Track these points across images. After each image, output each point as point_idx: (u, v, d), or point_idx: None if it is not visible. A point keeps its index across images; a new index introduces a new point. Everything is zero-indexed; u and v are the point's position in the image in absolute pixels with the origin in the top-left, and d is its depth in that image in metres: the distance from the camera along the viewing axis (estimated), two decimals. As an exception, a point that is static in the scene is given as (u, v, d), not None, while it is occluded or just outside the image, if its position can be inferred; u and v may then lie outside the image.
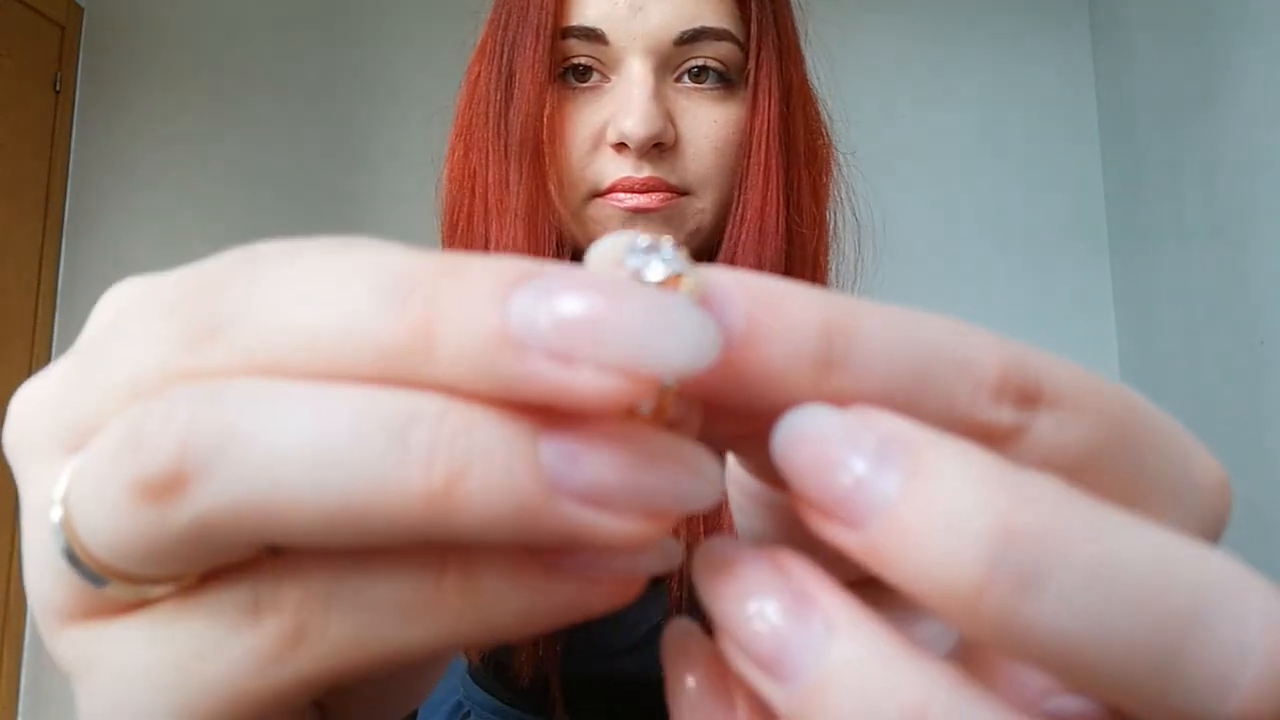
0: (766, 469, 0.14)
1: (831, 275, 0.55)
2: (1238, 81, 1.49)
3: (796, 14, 0.54)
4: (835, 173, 0.56)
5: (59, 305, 2.29)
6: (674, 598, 0.54)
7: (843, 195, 0.57)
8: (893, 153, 1.97)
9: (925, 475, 0.11)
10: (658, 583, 0.55)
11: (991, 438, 0.12)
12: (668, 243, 0.12)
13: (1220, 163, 1.55)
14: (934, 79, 2.14)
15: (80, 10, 2.37)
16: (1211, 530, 0.13)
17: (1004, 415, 0.12)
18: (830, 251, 0.55)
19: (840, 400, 0.12)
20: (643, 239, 0.12)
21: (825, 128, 0.56)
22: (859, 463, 0.11)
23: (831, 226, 0.55)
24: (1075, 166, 2.09)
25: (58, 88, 2.30)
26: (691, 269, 0.12)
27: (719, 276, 0.12)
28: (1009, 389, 0.12)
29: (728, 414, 0.13)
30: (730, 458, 0.16)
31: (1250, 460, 1.48)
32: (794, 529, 0.15)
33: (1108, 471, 0.12)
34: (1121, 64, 1.97)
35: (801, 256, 0.52)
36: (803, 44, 0.55)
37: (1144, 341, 1.90)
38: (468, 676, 0.63)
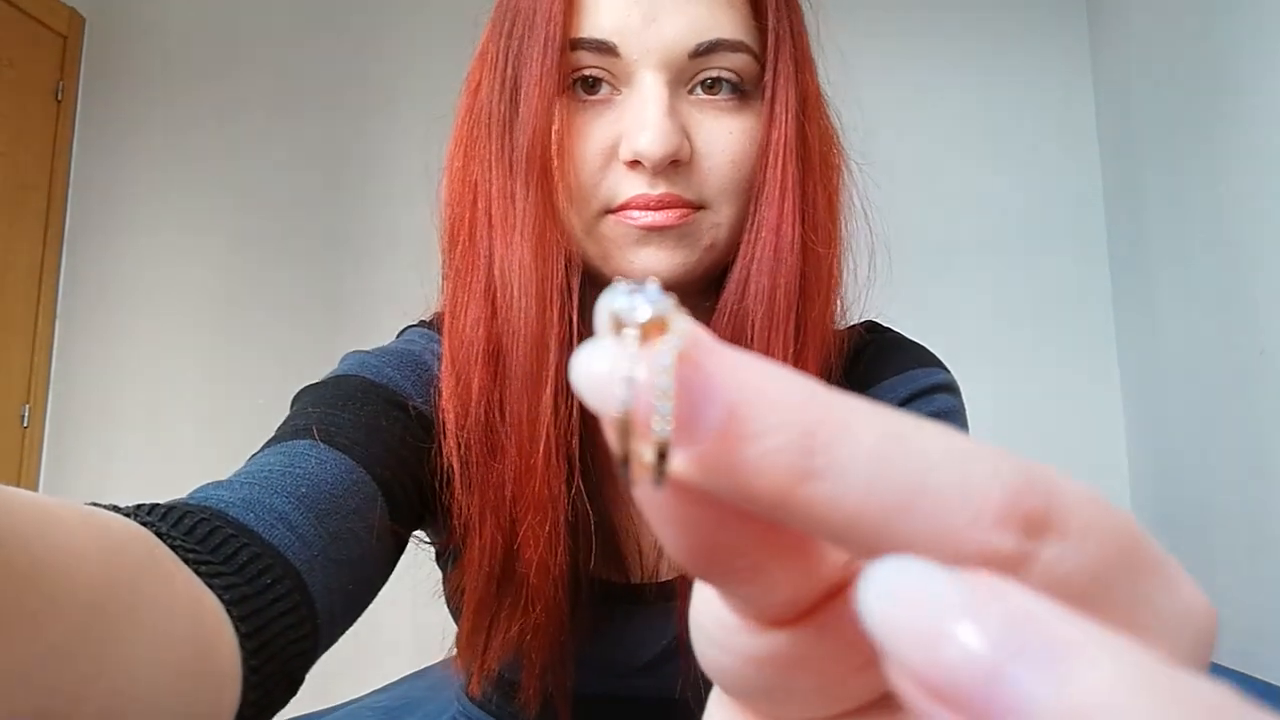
0: (755, 605, 0.14)
1: (844, 286, 0.55)
2: (1238, 87, 1.49)
3: (809, 17, 0.53)
4: (848, 180, 0.55)
5: (59, 313, 2.28)
6: (685, 618, 0.52)
7: (855, 203, 0.56)
8: (892, 159, 1.97)
9: (1087, 681, 0.09)
10: (668, 602, 0.54)
11: (991, 566, 0.11)
12: (653, 284, 0.12)
13: (1221, 170, 1.55)
14: (932, 85, 2.14)
15: (82, 20, 2.37)
16: (1202, 658, 0.13)
17: (1007, 542, 0.11)
18: (843, 262, 0.54)
19: (820, 512, 0.11)
20: (625, 282, 0.12)
21: (837, 135, 0.55)
22: (997, 651, 0.10)
23: (844, 237, 0.54)
24: (1075, 174, 2.08)
25: (59, 97, 2.30)
26: (678, 315, 0.12)
27: (709, 357, 0.12)
28: (1015, 516, 0.11)
29: (733, 525, 0.13)
30: (701, 588, 0.15)
31: (1251, 470, 1.48)
32: (775, 669, 0.14)
33: (1106, 598, 0.12)
34: (1120, 69, 1.97)
35: (816, 273, 0.51)
36: (814, 49, 0.54)
37: (1144, 349, 1.89)
38: (464, 697, 0.63)
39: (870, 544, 0.12)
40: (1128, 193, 1.95)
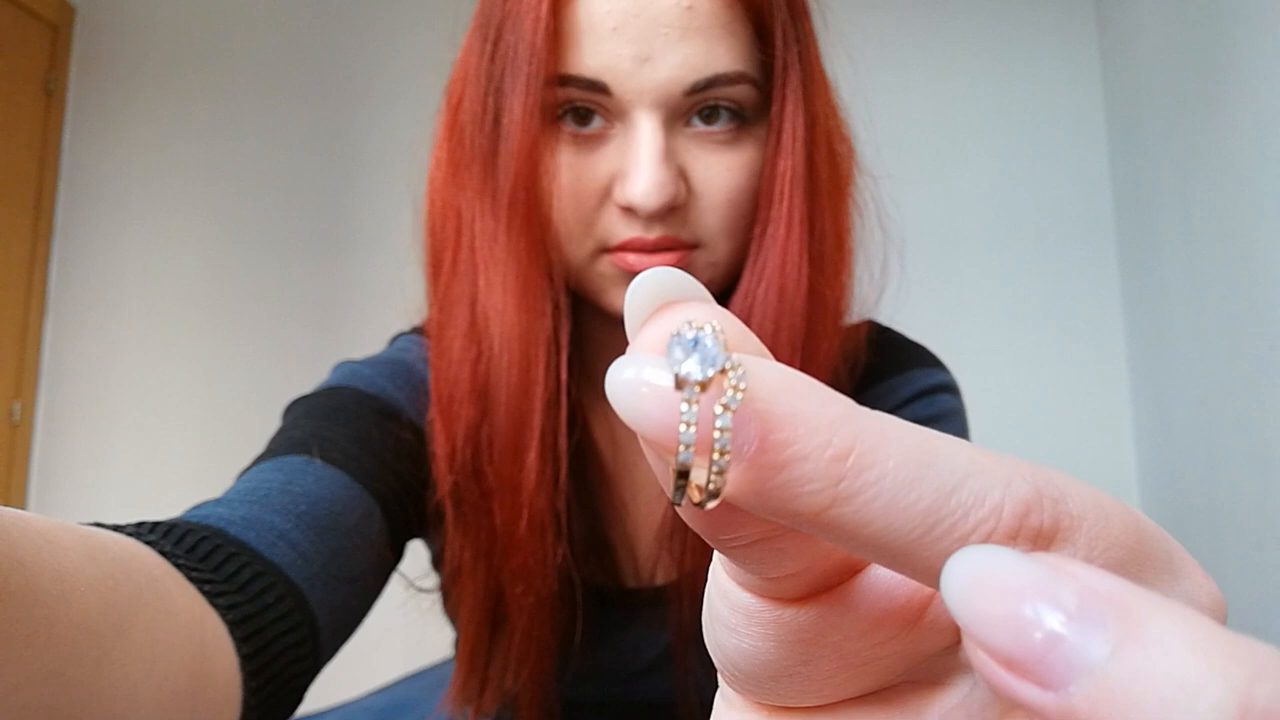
0: (775, 581, 0.14)
1: (853, 290, 0.53)
2: (1246, 79, 1.48)
3: (818, 22, 0.50)
4: (861, 193, 0.53)
5: (49, 308, 2.26)
6: (679, 622, 0.52)
7: (869, 213, 0.54)
8: (899, 158, 1.95)
9: (1140, 638, 0.10)
10: (664, 606, 0.54)
11: None
12: (708, 336, 0.13)
13: (1229, 163, 1.54)
14: (938, 78, 2.13)
15: (72, 10, 2.34)
16: None
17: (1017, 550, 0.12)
18: (851, 281, 0.53)
19: (849, 529, 0.12)
20: (687, 330, 0.13)
21: (851, 145, 0.53)
22: (1059, 619, 0.10)
23: (854, 255, 0.53)
24: (1082, 168, 2.07)
25: (50, 88, 2.27)
26: (732, 361, 0.13)
27: (752, 379, 0.13)
28: (1026, 529, 0.12)
29: (747, 517, 0.13)
30: (717, 571, 0.16)
31: (1260, 466, 1.47)
32: (792, 649, 0.15)
33: None
34: (1128, 62, 1.96)
35: (822, 313, 0.49)
36: (826, 48, 0.51)
37: (1152, 345, 1.89)
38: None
39: (896, 561, 0.12)
40: (1136, 189, 1.94)
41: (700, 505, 0.13)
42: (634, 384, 0.12)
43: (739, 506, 0.13)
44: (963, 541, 0.12)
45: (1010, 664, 0.10)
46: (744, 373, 0.13)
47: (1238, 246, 1.52)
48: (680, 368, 0.12)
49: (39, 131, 2.24)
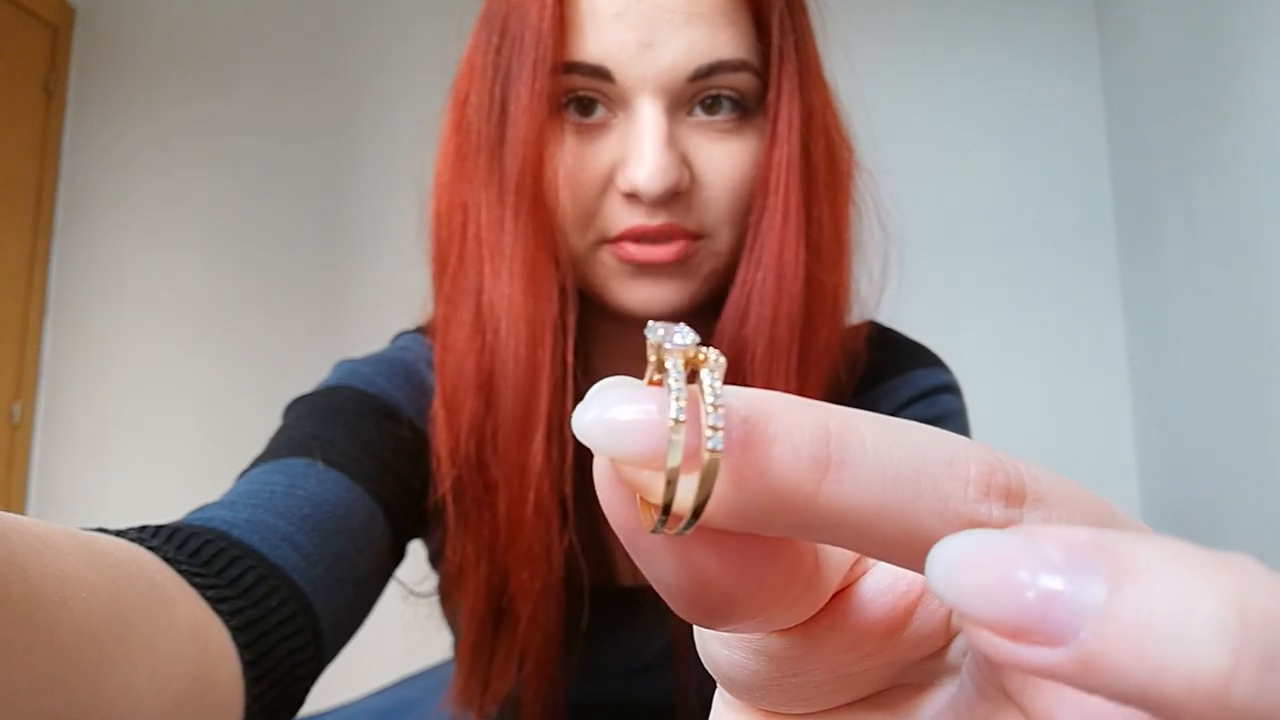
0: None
1: (852, 294, 0.53)
2: (1247, 81, 1.48)
3: (816, 22, 0.51)
4: (860, 191, 0.53)
5: (49, 309, 2.26)
6: (679, 621, 0.52)
7: (869, 211, 0.54)
8: (899, 156, 1.95)
9: (1132, 572, 0.10)
10: (663, 605, 0.53)
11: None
12: (683, 325, 0.13)
13: (1230, 165, 1.54)
14: (939, 81, 2.13)
15: (72, 11, 2.34)
16: None
17: (994, 511, 0.12)
18: (851, 275, 0.53)
19: (844, 504, 0.12)
20: (658, 324, 0.13)
21: (849, 144, 0.53)
22: (1051, 575, 0.10)
23: (853, 253, 0.53)
24: (1083, 170, 2.07)
25: (50, 89, 2.27)
26: (705, 352, 0.13)
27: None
28: (995, 487, 0.12)
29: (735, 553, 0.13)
30: None
31: (1260, 467, 1.47)
32: (781, 664, 0.15)
33: None
34: (1128, 62, 1.96)
35: (820, 300, 0.49)
36: (824, 47, 0.51)
37: (1153, 347, 1.88)
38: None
39: (894, 536, 0.12)
40: (1136, 189, 1.94)
41: (684, 530, 0.12)
42: (598, 417, 0.12)
43: (726, 529, 0.13)
44: (946, 500, 0.12)
45: (1014, 633, 0.10)
46: (717, 357, 0.13)
47: (1238, 246, 1.52)
48: (665, 339, 0.12)
49: (39, 131, 2.24)
